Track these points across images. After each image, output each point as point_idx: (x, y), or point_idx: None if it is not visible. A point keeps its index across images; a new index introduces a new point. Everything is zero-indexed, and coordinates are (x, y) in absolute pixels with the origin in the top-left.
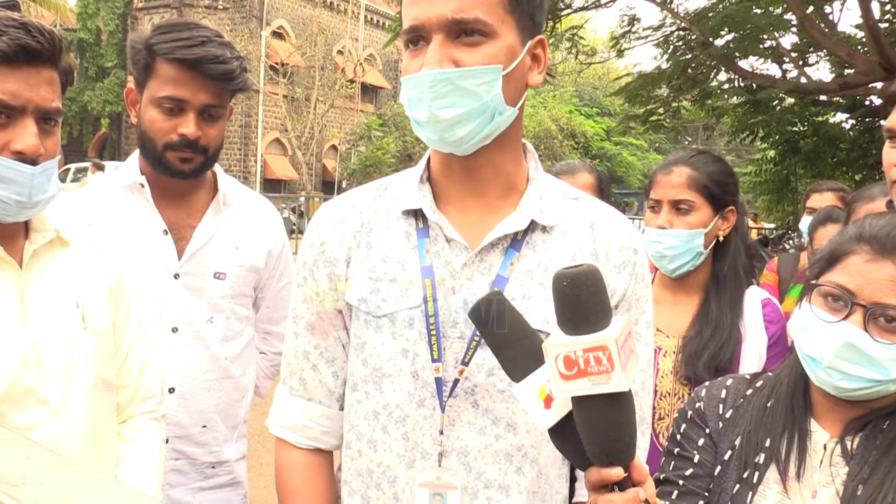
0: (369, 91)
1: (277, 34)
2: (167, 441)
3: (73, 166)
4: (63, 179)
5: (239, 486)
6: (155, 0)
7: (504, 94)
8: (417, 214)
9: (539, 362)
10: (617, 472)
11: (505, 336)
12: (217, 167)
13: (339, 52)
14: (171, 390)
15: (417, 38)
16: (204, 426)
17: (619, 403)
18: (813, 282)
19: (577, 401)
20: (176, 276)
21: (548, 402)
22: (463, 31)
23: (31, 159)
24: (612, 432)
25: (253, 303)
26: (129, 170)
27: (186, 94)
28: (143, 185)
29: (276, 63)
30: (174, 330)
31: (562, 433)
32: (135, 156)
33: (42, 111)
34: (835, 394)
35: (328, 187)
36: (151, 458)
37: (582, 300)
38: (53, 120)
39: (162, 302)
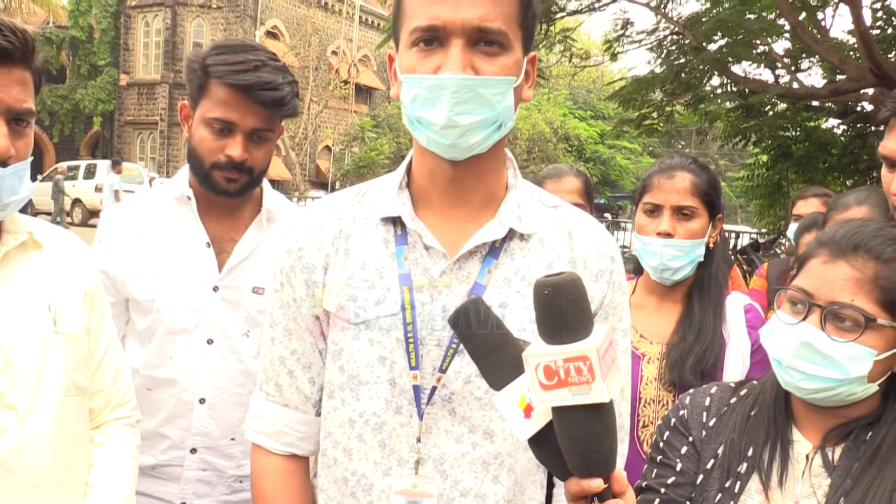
0: (363, 92)
1: (271, 34)
2: (195, 451)
3: (65, 164)
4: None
5: None
6: None
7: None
8: (396, 221)
9: (519, 370)
10: (597, 484)
11: (485, 343)
12: (265, 183)
13: (334, 52)
14: (202, 401)
15: (432, 37)
16: (232, 439)
17: (600, 414)
18: (776, 287)
19: (558, 411)
20: (215, 288)
21: (528, 411)
22: (483, 40)
23: (1, 161)
24: (592, 443)
25: None
26: (178, 182)
27: (236, 116)
28: (189, 198)
29: None
30: (209, 342)
31: (542, 443)
32: (185, 169)
33: (13, 112)
34: (801, 396)
35: (321, 188)
36: (124, 465)
37: (563, 309)
38: (25, 121)
39: (199, 313)
